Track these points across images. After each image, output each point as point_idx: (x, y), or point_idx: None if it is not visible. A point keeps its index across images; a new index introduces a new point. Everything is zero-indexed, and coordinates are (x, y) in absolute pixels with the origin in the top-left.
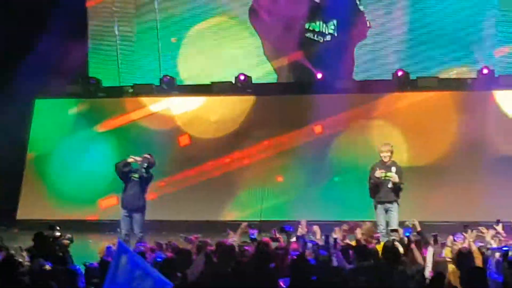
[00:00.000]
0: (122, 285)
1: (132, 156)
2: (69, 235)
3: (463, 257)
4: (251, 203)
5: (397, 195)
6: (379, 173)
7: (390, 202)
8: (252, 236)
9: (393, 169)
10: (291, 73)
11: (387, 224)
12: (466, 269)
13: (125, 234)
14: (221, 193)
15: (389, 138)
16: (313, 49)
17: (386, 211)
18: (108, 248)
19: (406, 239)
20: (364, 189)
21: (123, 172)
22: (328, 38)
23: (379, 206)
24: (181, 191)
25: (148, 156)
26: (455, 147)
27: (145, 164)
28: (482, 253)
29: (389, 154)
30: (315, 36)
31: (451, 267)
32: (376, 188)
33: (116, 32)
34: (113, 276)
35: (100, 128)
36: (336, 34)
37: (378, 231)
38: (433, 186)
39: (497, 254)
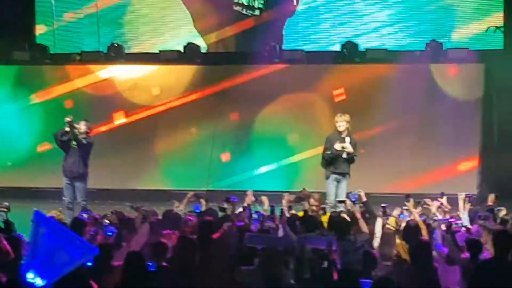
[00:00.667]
0: (43, 256)
1: (70, 124)
2: (6, 203)
3: (409, 230)
4: (198, 173)
5: (349, 167)
6: (338, 146)
7: (343, 174)
8: (197, 210)
9: (347, 139)
10: (219, 45)
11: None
12: (413, 242)
13: (68, 202)
14: (168, 162)
15: (338, 109)
16: (242, 23)
17: (338, 182)
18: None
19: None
20: (312, 160)
21: (62, 141)
22: (257, 12)
23: (331, 176)
24: (127, 159)
25: (85, 123)
26: (401, 119)
27: (83, 131)
28: (428, 225)
29: (344, 124)
30: (244, 10)
31: (398, 239)
32: (332, 160)
33: None
34: (33, 248)
35: (43, 95)
36: (265, 9)
37: (328, 202)
38: (378, 158)
39: (443, 226)
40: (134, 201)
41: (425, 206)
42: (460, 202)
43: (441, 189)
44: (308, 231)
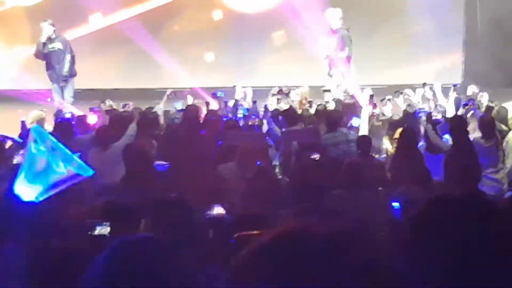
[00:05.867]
0: (37, 173)
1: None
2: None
3: (407, 117)
4: (179, 70)
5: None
6: None
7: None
8: (178, 108)
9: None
10: None
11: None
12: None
13: (59, 102)
14: (149, 60)
15: None
16: None
17: None
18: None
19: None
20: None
21: (44, 53)
22: None
23: None
24: (111, 59)
25: (47, 24)
26: (386, 11)
27: (52, 32)
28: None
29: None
30: None
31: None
32: None
33: None
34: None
35: None
36: None
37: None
38: (365, 50)
39: (423, 116)
40: (121, 100)
41: (405, 96)
42: (438, 91)
43: (426, 80)
44: (291, 125)
